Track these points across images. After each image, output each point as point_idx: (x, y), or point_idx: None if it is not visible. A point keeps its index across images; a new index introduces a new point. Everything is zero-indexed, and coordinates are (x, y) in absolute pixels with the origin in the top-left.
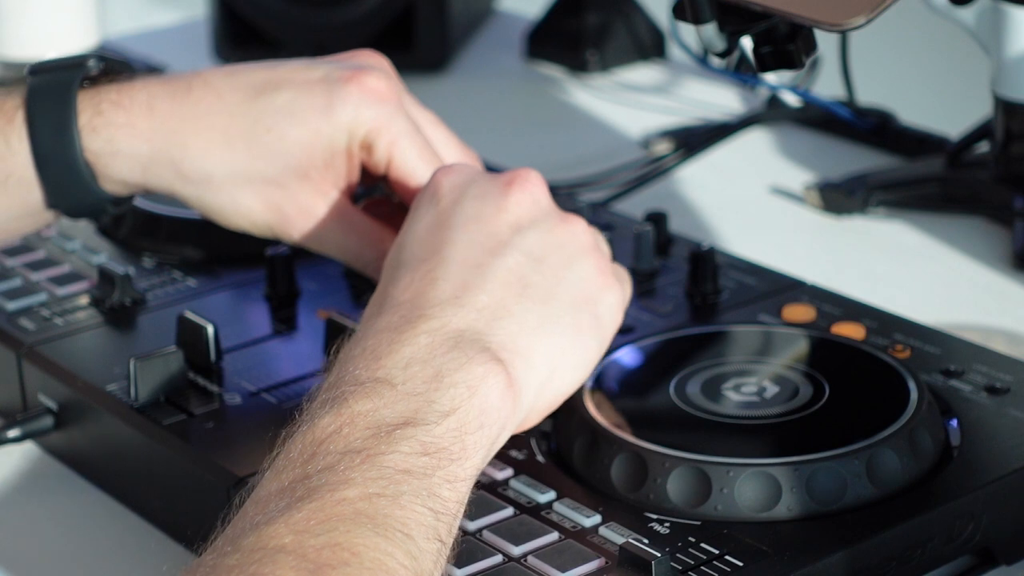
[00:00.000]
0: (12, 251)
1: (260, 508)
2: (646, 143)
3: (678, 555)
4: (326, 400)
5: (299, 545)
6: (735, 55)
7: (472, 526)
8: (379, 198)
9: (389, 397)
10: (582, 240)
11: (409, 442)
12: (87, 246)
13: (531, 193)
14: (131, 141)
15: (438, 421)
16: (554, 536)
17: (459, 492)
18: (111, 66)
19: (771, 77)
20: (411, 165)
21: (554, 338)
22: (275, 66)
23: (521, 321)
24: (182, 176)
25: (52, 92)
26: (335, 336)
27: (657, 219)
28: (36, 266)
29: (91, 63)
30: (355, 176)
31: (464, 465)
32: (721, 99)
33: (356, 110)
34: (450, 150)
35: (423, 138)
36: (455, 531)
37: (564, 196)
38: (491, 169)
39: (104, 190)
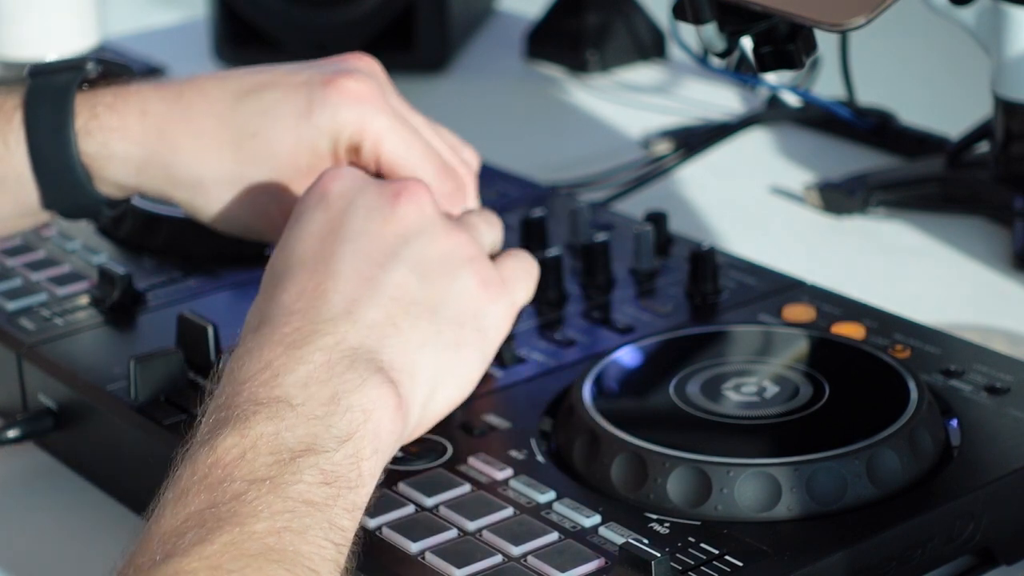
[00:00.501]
0: (12, 251)
1: (169, 537)
2: (646, 143)
3: (678, 555)
4: (226, 419)
5: None
6: (735, 55)
7: (472, 526)
8: None
9: (290, 419)
10: (466, 252)
11: (311, 471)
12: (87, 246)
13: (418, 204)
14: (124, 144)
15: (336, 448)
16: (554, 536)
17: (355, 520)
18: (110, 69)
19: (771, 77)
20: (400, 160)
21: (438, 355)
22: (264, 70)
23: (408, 338)
24: (173, 179)
25: (50, 94)
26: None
27: (657, 219)
28: (36, 266)
29: (90, 66)
30: None
31: (360, 493)
32: (721, 99)
33: (335, 112)
34: (440, 138)
35: (411, 132)
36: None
37: (564, 196)
38: (491, 170)
39: (99, 192)
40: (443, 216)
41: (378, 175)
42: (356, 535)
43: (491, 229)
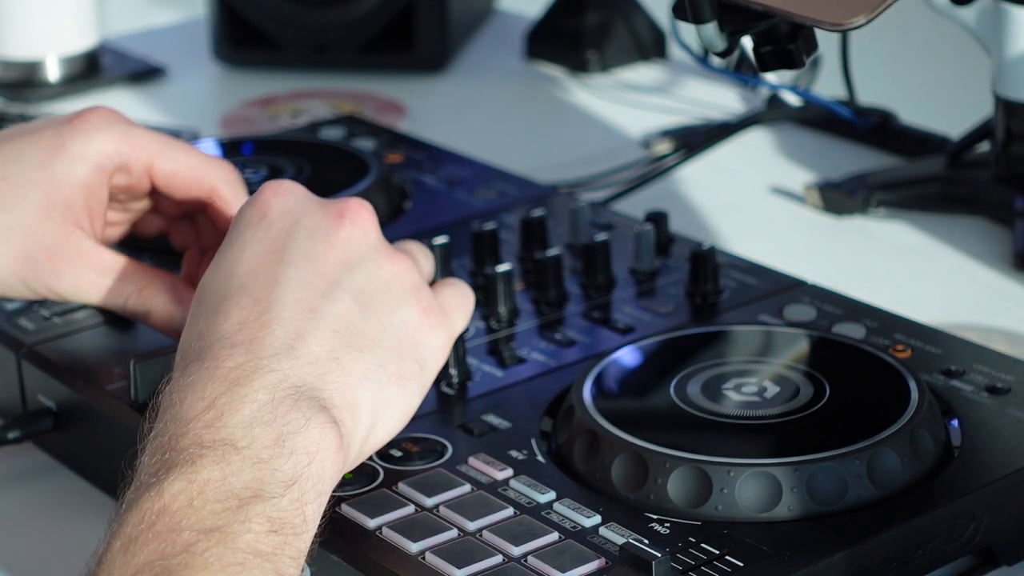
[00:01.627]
0: None
1: None
2: (646, 143)
3: (678, 555)
4: (171, 462)
5: None
6: (735, 55)
7: (472, 526)
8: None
9: (236, 463)
10: (406, 280)
11: (259, 519)
12: None
13: (361, 227)
14: None
15: (282, 493)
16: (554, 536)
17: (299, 568)
18: None
19: (771, 77)
20: (173, 163)
21: (379, 389)
22: (4, 130)
23: (349, 373)
24: None
25: None
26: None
27: (657, 219)
28: None
29: None
30: (101, 212)
31: (304, 539)
32: (721, 99)
33: (86, 141)
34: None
35: (169, 137)
36: None
37: (564, 196)
38: (491, 170)
39: None
40: (384, 241)
41: (157, 193)
42: None
43: (426, 258)
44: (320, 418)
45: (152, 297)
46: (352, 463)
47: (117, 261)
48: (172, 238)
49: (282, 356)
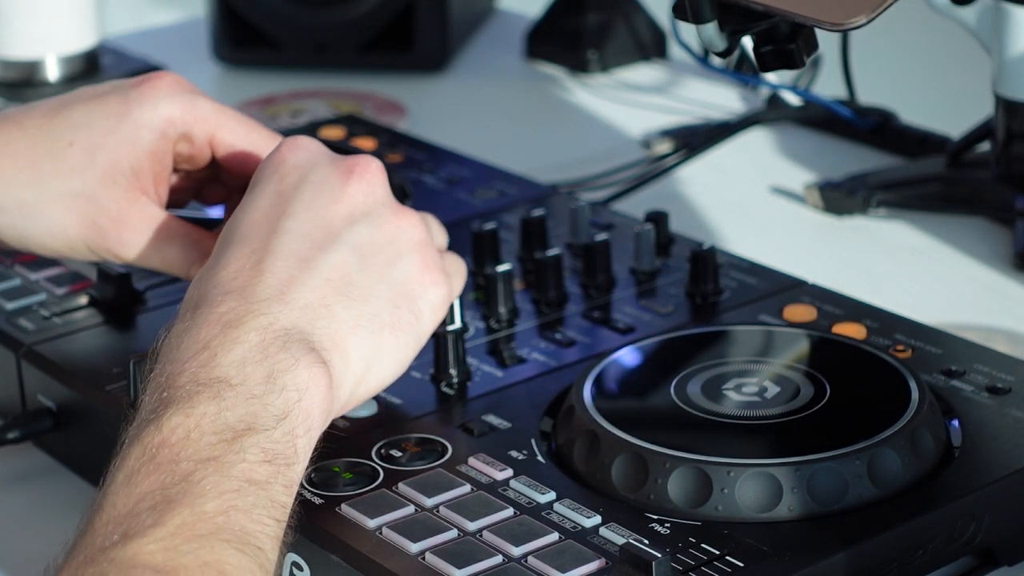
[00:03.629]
0: (12, 251)
1: (124, 519)
2: (646, 143)
3: (678, 555)
4: (169, 399)
5: (170, 563)
6: (736, 55)
7: (472, 526)
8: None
9: (231, 399)
10: (411, 235)
11: (253, 450)
12: None
13: (369, 183)
14: None
15: (275, 426)
16: (554, 537)
17: (292, 496)
18: None
19: (772, 77)
20: (234, 136)
21: (372, 336)
22: (67, 93)
23: (341, 320)
24: None
25: None
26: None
27: (658, 219)
28: (35, 266)
29: None
30: (166, 178)
31: (296, 470)
32: (722, 99)
33: (153, 107)
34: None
35: (235, 112)
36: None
37: (564, 196)
38: (491, 170)
39: None
40: (392, 198)
41: (217, 165)
42: (292, 511)
43: (439, 229)
44: (308, 359)
45: None
46: (345, 406)
47: (182, 228)
48: (230, 208)
49: (272, 301)
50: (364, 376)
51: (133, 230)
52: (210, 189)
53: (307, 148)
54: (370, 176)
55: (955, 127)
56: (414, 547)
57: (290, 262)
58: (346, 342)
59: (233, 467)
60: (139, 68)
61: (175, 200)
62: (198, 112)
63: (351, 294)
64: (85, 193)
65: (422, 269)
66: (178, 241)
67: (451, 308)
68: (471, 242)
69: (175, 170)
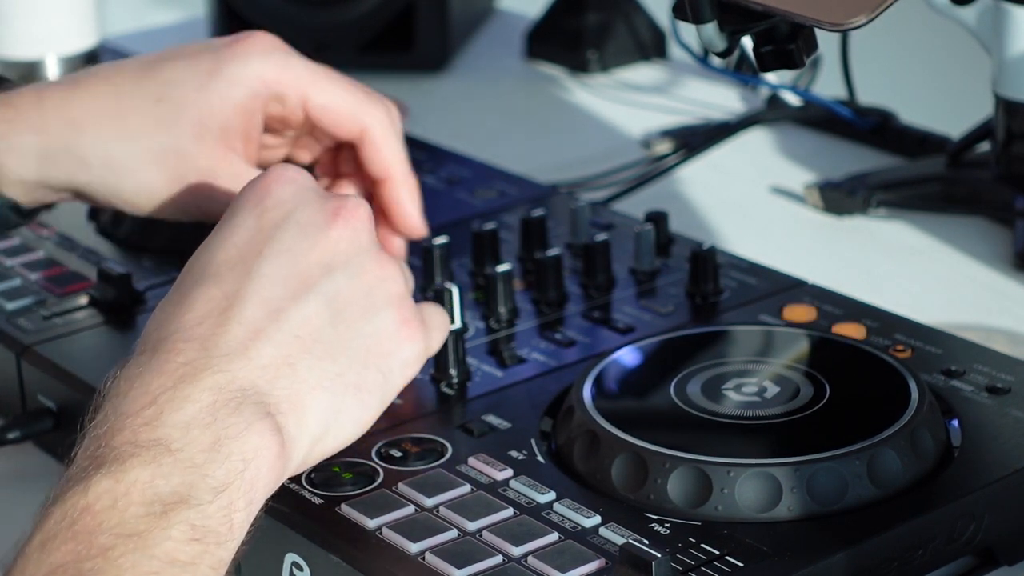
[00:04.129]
0: (12, 251)
1: None
2: (646, 143)
3: (678, 556)
4: (101, 458)
5: None
6: (735, 55)
7: (472, 526)
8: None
9: (167, 465)
10: (390, 287)
11: (181, 527)
12: (86, 246)
13: (354, 229)
14: (20, 136)
15: (211, 500)
16: (554, 537)
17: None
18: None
19: (772, 77)
20: (329, 96)
21: (334, 397)
22: (160, 51)
23: (303, 379)
24: (80, 162)
25: None
26: None
27: (657, 219)
28: (35, 266)
29: None
30: (256, 136)
31: (228, 547)
32: (721, 99)
33: (245, 64)
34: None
35: (328, 69)
36: None
37: (564, 196)
38: (491, 170)
39: (3, 195)
40: (376, 245)
41: (311, 124)
42: None
43: (407, 273)
44: (261, 425)
45: None
46: (296, 469)
47: None
48: (318, 167)
49: (234, 356)
50: (320, 439)
51: (222, 186)
52: (302, 147)
53: (294, 182)
54: (355, 221)
55: (955, 127)
56: (414, 547)
57: (260, 312)
58: (305, 403)
59: (156, 546)
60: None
61: (267, 157)
62: (291, 72)
63: (317, 351)
64: (174, 148)
65: (398, 324)
66: None
67: (451, 308)
68: (471, 242)
69: (267, 130)
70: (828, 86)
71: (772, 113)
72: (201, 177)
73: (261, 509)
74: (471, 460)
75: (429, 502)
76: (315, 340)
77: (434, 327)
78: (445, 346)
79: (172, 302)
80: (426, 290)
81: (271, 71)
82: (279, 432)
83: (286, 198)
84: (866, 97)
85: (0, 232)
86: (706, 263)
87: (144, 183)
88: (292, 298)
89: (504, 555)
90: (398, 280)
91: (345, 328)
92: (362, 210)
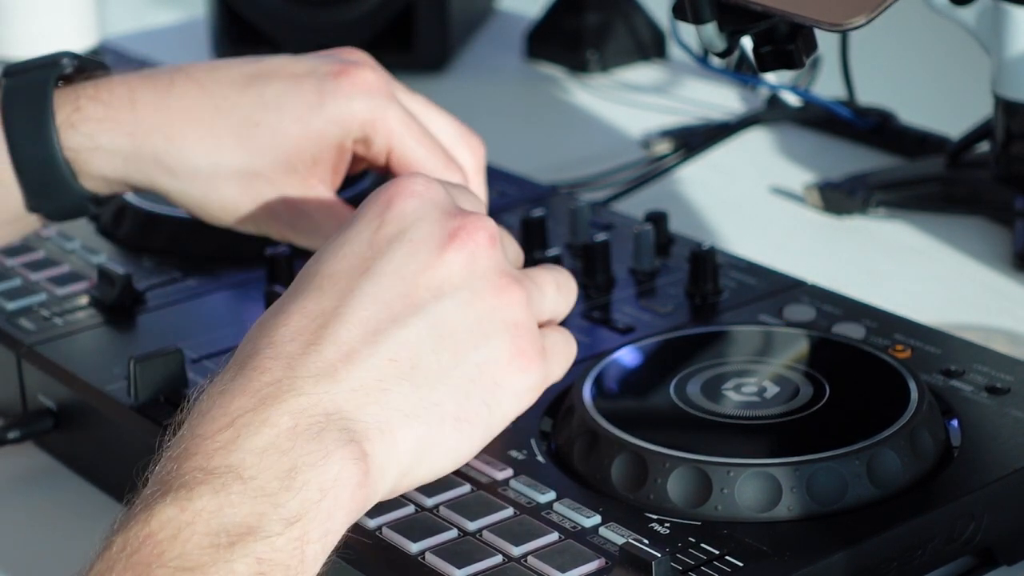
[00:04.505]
0: (12, 251)
1: None
2: (646, 143)
3: (678, 555)
4: (170, 483)
5: None
6: (735, 55)
7: (472, 526)
8: None
9: (237, 494)
10: (507, 315)
11: (246, 560)
12: (87, 246)
13: (471, 253)
14: (111, 136)
15: (281, 531)
16: (554, 536)
17: None
18: (85, 64)
19: (771, 77)
20: (411, 155)
21: (428, 428)
22: (259, 60)
23: (396, 406)
24: (166, 170)
25: (28, 92)
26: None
27: (657, 219)
28: (36, 266)
29: (65, 61)
30: (343, 170)
31: None
32: (721, 99)
33: (348, 103)
34: (446, 129)
35: (420, 126)
36: None
37: (564, 196)
38: (491, 170)
39: (84, 188)
40: (500, 269)
41: (385, 168)
42: None
43: (560, 295)
44: (343, 452)
45: None
46: (386, 497)
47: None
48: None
49: (321, 378)
50: (410, 470)
51: (306, 216)
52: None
53: (420, 196)
54: (472, 245)
55: (955, 127)
56: (414, 547)
57: (356, 332)
58: (396, 432)
59: None
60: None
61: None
62: (386, 124)
63: (414, 378)
64: (263, 175)
65: (512, 354)
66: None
67: None
68: None
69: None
70: (828, 86)
71: (772, 113)
72: (286, 206)
73: (341, 540)
74: (471, 460)
75: (429, 502)
76: (413, 366)
77: (556, 354)
78: None
79: (273, 312)
80: None
81: (367, 115)
82: (363, 460)
83: (407, 212)
84: (866, 97)
85: (72, 218)
86: (706, 263)
87: (228, 200)
88: (393, 320)
89: (504, 555)
90: (519, 307)
91: (449, 356)
92: (482, 233)
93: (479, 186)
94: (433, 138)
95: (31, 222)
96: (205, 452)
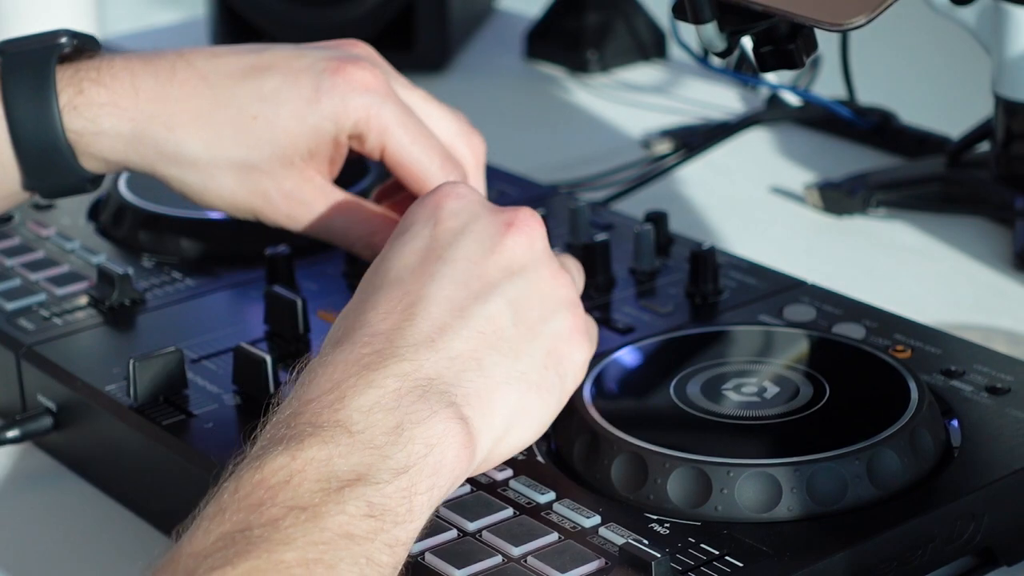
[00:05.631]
0: (12, 251)
1: (196, 556)
2: (646, 143)
3: (678, 556)
4: (280, 438)
5: None
6: (735, 55)
7: (472, 526)
8: (393, 183)
9: (345, 446)
10: (565, 295)
11: (356, 502)
12: (86, 246)
13: (528, 236)
14: (114, 121)
15: (390, 480)
16: (554, 537)
17: (397, 556)
18: (83, 42)
19: (771, 77)
20: (406, 153)
21: (518, 395)
22: (260, 50)
23: (489, 375)
24: (166, 158)
25: (29, 72)
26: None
27: (657, 219)
28: (35, 266)
29: (64, 40)
30: (340, 161)
31: (407, 528)
32: (721, 99)
33: (343, 100)
34: (446, 125)
35: (416, 123)
36: None
37: (564, 196)
38: (491, 170)
39: (84, 168)
40: (551, 254)
41: (386, 165)
42: (402, 571)
43: (580, 274)
44: (446, 412)
45: (382, 243)
46: (479, 467)
47: (350, 204)
48: (379, 197)
49: (420, 347)
50: (504, 436)
51: (303, 206)
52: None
53: (465, 197)
54: (529, 230)
55: (955, 127)
56: (414, 547)
57: (444, 308)
58: (491, 399)
59: (328, 518)
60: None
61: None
62: (381, 120)
63: (502, 349)
64: (260, 167)
65: (572, 330)
66: (345, 215)
67: None
68: None
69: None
70: (828, 86)
71: (772, 113)
72: (283, 197)
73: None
74: None
75: None
76: (499, 338)
77: (594, 336)
78: None
79: (354, 309)
80: None
81: (363, 112)
82: (465, 423)
83: (458, 210)
84: (866, 97)
85: (67, 196)
86: (706, 263)
87: (225, 189)
88: (475, 297)
89: (504, 555)
90: (571, 287)
91: (526, 329)
92: (535, 220)
93: (478, 183)
94: (430, 136)
95: (23, 197)
96: (313, 411)
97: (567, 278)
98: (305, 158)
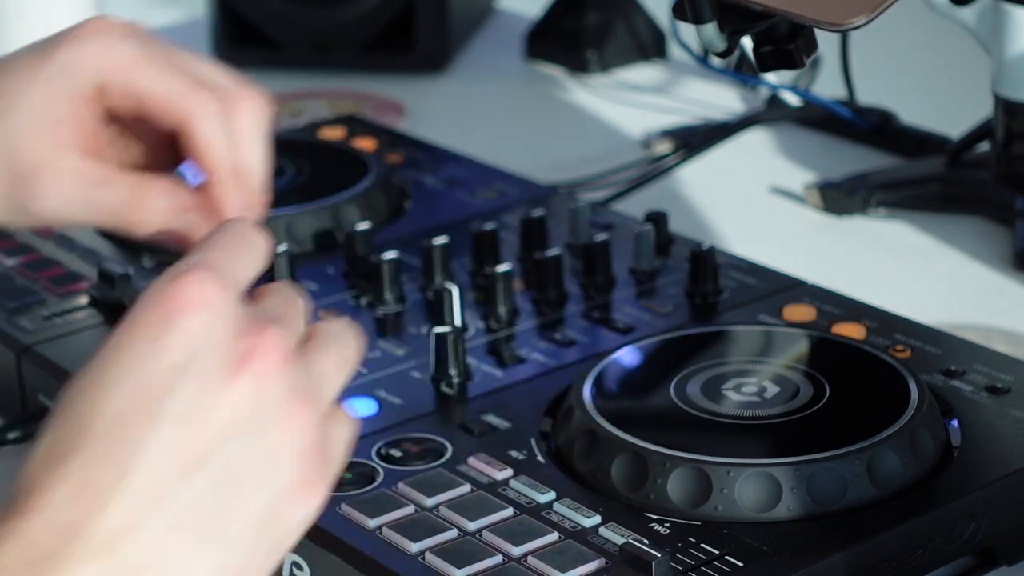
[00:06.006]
0: (12, 251)
1: None
2: (646, 143)
3: (678, 555)
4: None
5: None
6: (735, 55)
7: (472, 526)
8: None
9: None
10: (297, 441)
11: None
12: (87, 246)
13: (259, 380)
14: None
15: None
16: (554, 536)
17: None
18: None
19: (771, 77)
20: (158, 89)
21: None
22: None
23: (187, 570)
24: None
25: None
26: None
27: (657, 219)
28: (36, 266)
29: None
30: (91, 127)
31: None
32: (721, 99)
33: (74, 48)
34: (218, 75)
35: (165, 55)
36: None
37: (564, 196)
38: (491, 170)
39: None
40: (292, 389)
41: (141, 116)
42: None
43: (344, 371)
44: None
45: (146, 210)
46: None
47: (107, 173)
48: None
49: (100, 553)
50: None
51: (55, 179)
52: (159, 152)
53: (206, 309)
54: (263, 371)
55: (955, 127)
56: (414, 547)
57: (138, 499)
58: None
59: None
60: None
61: (151, 163)
62: (116, 57)
63: (203, 533)
64: (4, 145)
65: (300, 483)
66: (103, 187)
67: (451, 308)
68: (471, 242)
69: (116, 124)
70: (828, 86)
71: (772, 113)
72: (34, 172)
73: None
74: (471, 460)
75: (429, 502)
76: (204, 520)
77: (338, 453)
78: (445, 346)
79: (54, 452)
80: (426, 290)
81: (95, 56)
82: None
83: (193, 332)
84: (866, 97)
85: None
86: (706, 263)
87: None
88: (180, 479)
89: (504, 555)
90: (308, 429)
91: (238, 504)
92: (276, 353)
93: (256, 145)
94: (185, 65)
95: None
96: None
97: (307, 416)
98: (50, 125)
